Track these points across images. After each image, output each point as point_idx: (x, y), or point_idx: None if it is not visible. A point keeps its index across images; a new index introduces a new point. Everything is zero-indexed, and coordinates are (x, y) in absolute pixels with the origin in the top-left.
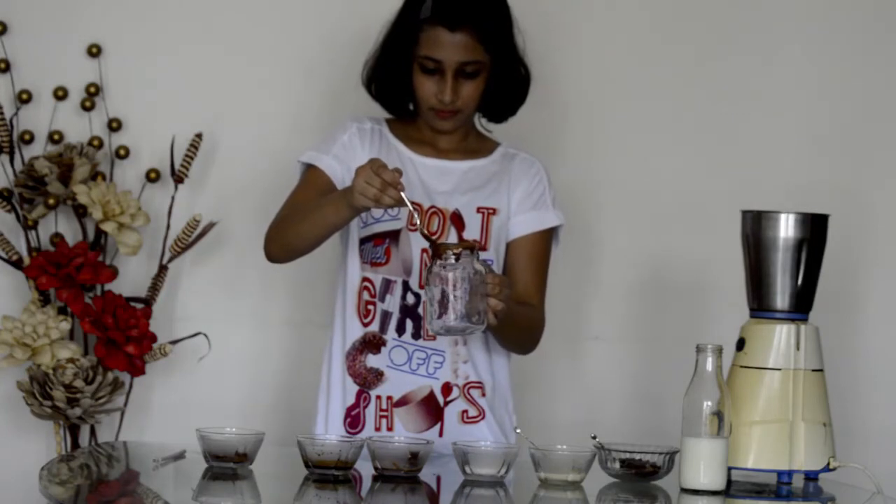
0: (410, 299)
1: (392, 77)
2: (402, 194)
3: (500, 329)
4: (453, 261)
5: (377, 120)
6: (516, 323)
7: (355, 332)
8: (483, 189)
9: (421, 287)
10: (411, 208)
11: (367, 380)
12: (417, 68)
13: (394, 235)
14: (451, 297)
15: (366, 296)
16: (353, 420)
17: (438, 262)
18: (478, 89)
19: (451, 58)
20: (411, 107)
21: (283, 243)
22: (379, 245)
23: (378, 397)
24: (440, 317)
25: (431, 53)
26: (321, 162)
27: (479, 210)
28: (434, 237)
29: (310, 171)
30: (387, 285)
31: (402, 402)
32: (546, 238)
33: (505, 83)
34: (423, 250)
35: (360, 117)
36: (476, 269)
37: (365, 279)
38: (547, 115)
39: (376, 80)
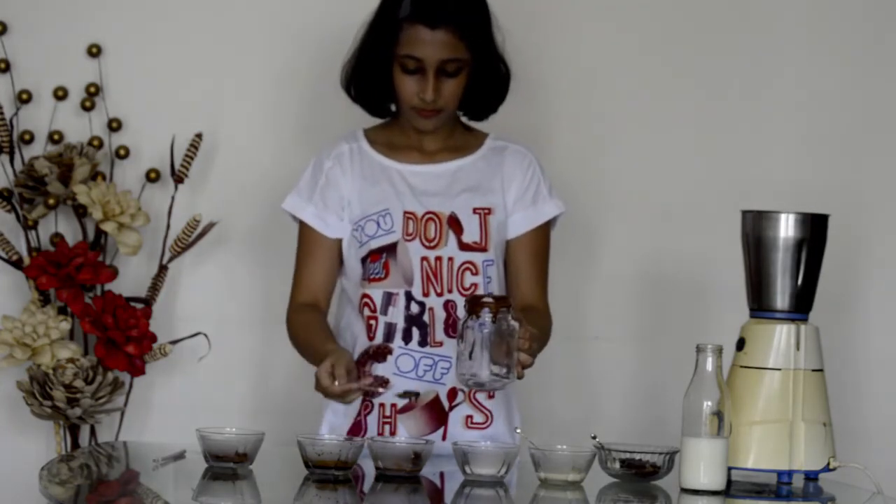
0: (415, 308)
1: (372, 78)
2: (357, 384)
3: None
4: (490, 319)
5: (353, 136)
6: (537, 350)
7: (358, 347)
8: (477, 189)
9: (424, 296)
10: (375, 390)
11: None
12: (398, 68)
13: (391, 249)
14: (484, 354)
15: (366, 311)
16: (355, 426)
17: (475, 318)
18: (459, 87)
19: (432, 56)
20: (392, 108)
21: (297, 350)
22: (376, 261)
23: (381, 405)
24: (471, 371)
25: (412, 52)
26: (305, 215)
27: (475, 211)
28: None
29: (301, 231)
30: (388, 298)
31: (407, 406)
32: (545, 231)
33: (486, 81)
34: (423, 258)
35: (335, 143)
36: (510, 325)
37: (364, 296)
38: (545, 115)
39: (355, 81)
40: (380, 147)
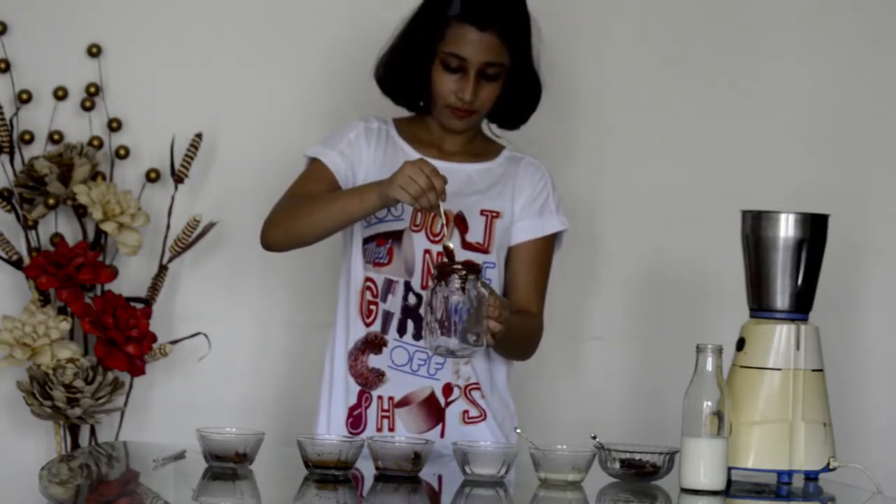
0: (412, 300)
1: (409, 71)
2: (441, 203)
3: (498, 344)
4: (458, 285)
5: (384, 120)
6: (514, 336)
7: (358, 332)
8: (487, 192)
9: (423, 288)
10: (443, 220)
11: (368, 380)
12: (438, 64)
13: (396, 236)
14: (453, 320)
15: (368, 296)
16: (356, 420)
17: (443, 284)
18: (495, 92)
19: (477, 57)
20: (421, 104)
21: (291, 230)
22: (382, 245)
23: (380, 398)
24: (440, 338)
25: (457, 51)
26: (326, 157)
27: (482, 213)
28: (453, 254)
29: (314, 164)
30: (389, 285)
31: (404, 402)
32: (549, 244)
33: (520, 90)
34: (426, 251)
35: (368, 116)
36: (479, 292)
37: (367, 279)
38: (553, 118)
39: (391, 72)
40: (404, 137)
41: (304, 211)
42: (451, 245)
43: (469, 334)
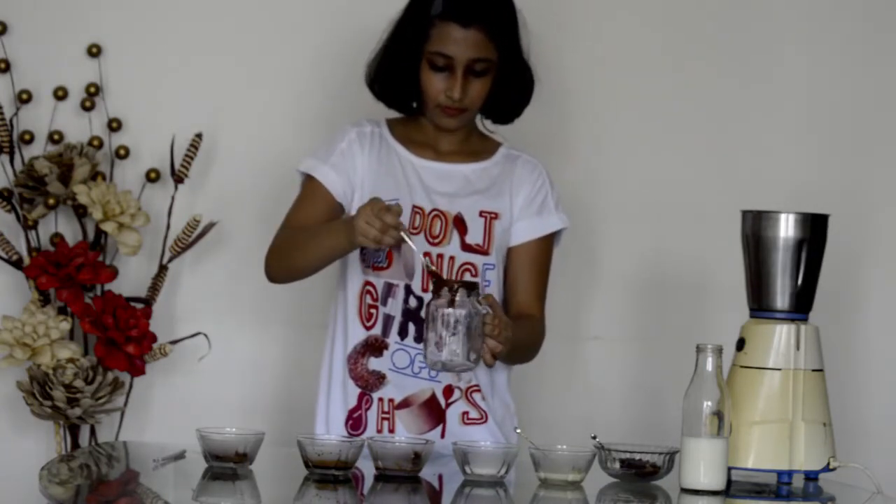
0: (413, 303)
1: (398, 73)
2: (403, 234)
3: (502, 358)
4: (449, 300)
5: (377, 122)
6: (518, 348)
7: (357, 335)
8: (486, 193)
9: (424, 291)
10: (414, 248)
11: (368, 382)
12: (426, 65)
13: None
14: (449, 336)
15: (368, 300)
16: (355, 422)
17: (438, 300)
18: (485, 88)
19: (463, 54)
20: (414, 105)
21: (285, 268)
22: (380, 249)
23: (380, 399)
24: (437, 354)
25: (442, 49)
26: (318, 172)
27: (481, 214)
28: (438, 272)
29: (308, 182)
30: (389, 289)
31: (404, 404)
32: (548, 243)
33: (511, 84)
34: (425, 254)
35: (360, 121)
36: (476, 310)
37: (367, 283)
38: (551, 116)
39: (381, 76)
40: (398, 138)
41: (293, 249)
42: (434, 266)
43: (471, 352)
